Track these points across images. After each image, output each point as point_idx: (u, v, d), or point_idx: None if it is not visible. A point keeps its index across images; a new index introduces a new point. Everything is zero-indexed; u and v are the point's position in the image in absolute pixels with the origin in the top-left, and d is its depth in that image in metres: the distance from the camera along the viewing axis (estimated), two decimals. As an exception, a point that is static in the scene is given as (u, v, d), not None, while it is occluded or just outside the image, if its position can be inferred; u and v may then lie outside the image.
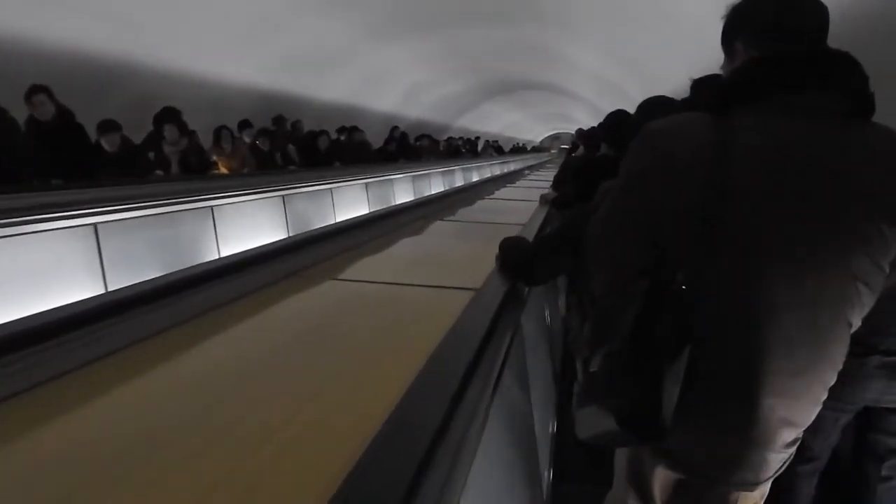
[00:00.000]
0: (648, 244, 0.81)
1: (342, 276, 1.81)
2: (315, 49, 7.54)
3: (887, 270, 0.76)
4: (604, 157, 2.18)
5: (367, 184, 6.30)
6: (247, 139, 6.09)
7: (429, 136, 11.30)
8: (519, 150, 22.86)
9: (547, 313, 2.65)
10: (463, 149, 13.37)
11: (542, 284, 1.66)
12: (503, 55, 11.47)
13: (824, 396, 0.83)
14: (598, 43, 9.09)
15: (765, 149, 0.76)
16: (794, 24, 0.77)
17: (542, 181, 6.99)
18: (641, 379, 0.78)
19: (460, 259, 2.13)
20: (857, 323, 0.79)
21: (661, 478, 0.92)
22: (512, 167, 13.83)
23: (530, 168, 12.35)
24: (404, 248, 2.33)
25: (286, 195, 4.55)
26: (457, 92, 14.31)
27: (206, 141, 5.62)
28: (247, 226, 3.98)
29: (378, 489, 0.52)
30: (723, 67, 0.88)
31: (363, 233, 2.44)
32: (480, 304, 1.25)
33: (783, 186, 0.74)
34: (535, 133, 32.22)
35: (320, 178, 5.23)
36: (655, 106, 1.59)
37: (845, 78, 0.75)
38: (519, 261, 1.40)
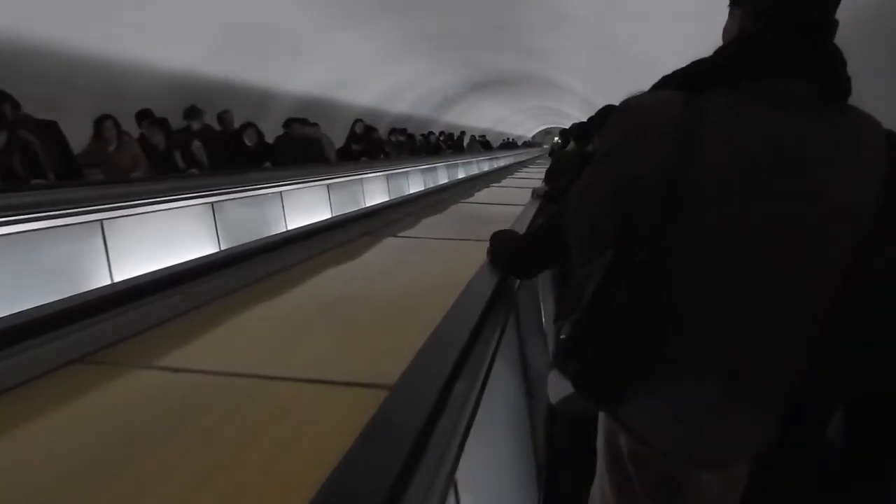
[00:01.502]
0: (618, 217, 0.82)
1: (164, 359, 1.06)
2: (272, 33, 6.74)
3: (849, 258, 0.76)
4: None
5: (328, 185, 5.54)
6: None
7: (403, 131, 10.30)
8: (509, 145, 22.14)
9: (541, 309, 2.48)
10: (443, 145, 12.31)
11: (533, 277, 1.66)
12: (491, 46, 10.78)
13: (790, 382, 0.83)
14: (588, 35, 8.44)
15: (732, 129, 0.76)
16: (793, 8, 0.75)
17: (531, 179, 6.32)
18: (596, 346, 0.80)
19: (392, 310, 1.40)
20: (822, 309, 0.78)
21: (638, 460, 0.93)
22: (501, 163, 13.10)
23: (520, 164, 11.60)
24: (309, 293, 1.57)
25: (217, 202, 3.78)
26: (443, 85, 13.60)
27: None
28: (157, 241, 3.23)
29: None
30: (724, 27, 0.84)
31: (264, 263, 1.70)
32: (389, 418, 0.71)
33: (747, 166, 0.75)
34: (525, 128, 31.80)
35: (265, 181, 4.44)
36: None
37: (818, 63, 0.75)
38: (510, 254, 1.37)
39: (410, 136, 10.48)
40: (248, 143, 5.87)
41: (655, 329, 0.78)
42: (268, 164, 5.76)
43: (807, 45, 0.75)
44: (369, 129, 8.51)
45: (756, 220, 0.75)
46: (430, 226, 2.90)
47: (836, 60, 0.76)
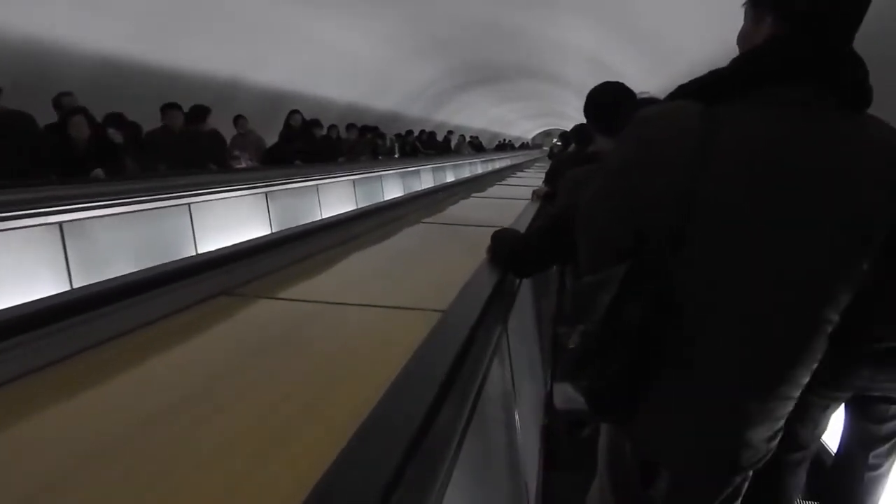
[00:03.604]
0: (629, 228, 0.83)
1: None
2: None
3: (865, 267, 0.78)
4: (594, 154, 2.02)
5: (267, 194, 4.47)
6: None
7: (367, 129, 8.59)
8: (504, 146, 21.09)
9: (540, 305, 2.35)
10: (421, 146, 10.66)
11: (531, 276, 1.68)
12: (486, 38, 9.78)
13: (796, 393, 0.85)
14: (594, 18, 7.44)
15: (749, 138, 0.77)
16: (826, 12, 0.75)
17: (522, 186, 5.29)
18: (610, 362, 0.81)
19: None
20: (835, 318, 0.80)
21: (639, 462, 0.95)
22: (496, 165, 12.04)
23: (515, 168, 10.54)
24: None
25: (67, 221, 2.70)
26: (432, 81, 12.60)
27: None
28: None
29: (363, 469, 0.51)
30: (742, 32, 0.85)
31: None
32: None
33: (764, 177, 0.76)
34: (523, 129, 30.97)
35: (163, 189, 3.34)
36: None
37: (840, 71, 0.75)
38: (508, 250, 1.41)
39: (380, 135, 8.97)
40: (73, 135, 3.83)
41: (667, 343, 0.81)
42: (98, 171, 3.73)
43: (831, 52, 0.75)
44: (310, 125, 6.82)
45: (768, 230, 0.76)
46: (342, 275, 1.80)
47: (859, 68, 0.75)
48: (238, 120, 6.14)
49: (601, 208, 0.89)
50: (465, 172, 11.08)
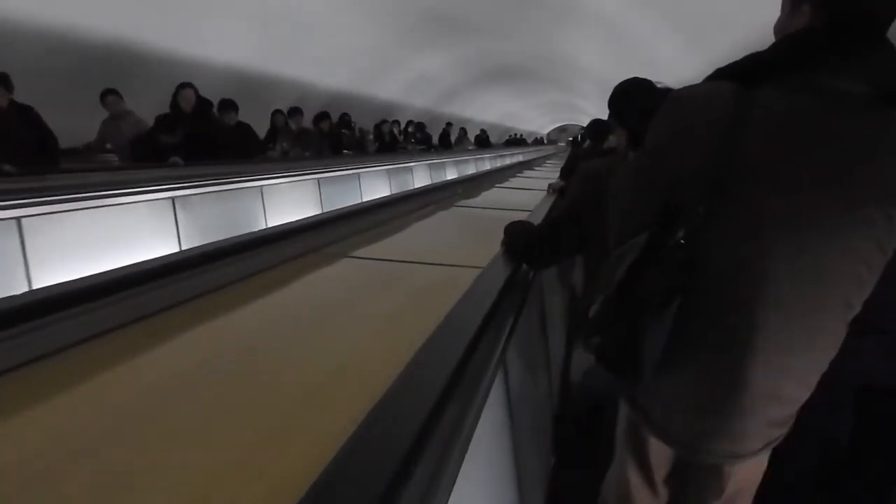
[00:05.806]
0: (660, 204, 0.84)
1: None
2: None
3: (890, 254, 0.78)
4: (611, 149, 2.15)
5: (173, 199, 3.33)
6: None
7: (325, 116, 6.66)
8: (516, 142, 19.80)
9: (550, 301, 2.10)
10: (402, 139, 9.12)
11: (546, 267, 1.67)
12: (501, 30, 8.71)
13: (815, 378, 0.84)
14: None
15: (781, 121, 0.77)
16: (865, 6, 0.76)
17: (532, 189, 4.14)
18: (622, 323, 0.83)
19: None
20: (857, 304, 0.80)
21: (656, 451, 0.96)
22: (497, 163, 10.87)
23: (523, 165, 9.35)
24: None
25: None
26: (442, 71, 11.59)
27: None
28: None
29: (360, 478, 0.50)
30: (778, 22, 0.85)
31: None
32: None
33: (793, 159, 0.76)
34: (538, 124, 29.90)
35: None
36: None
37: (875, 62, 0.76)
38: (523, 243, 1.42)
39: (346, 125, 7.36)
40: None
41: (684, 322, 0.81)
42: None
43: (869, 44, 0.75)
44: (220, 107, 4.78)
45: (791, 216, 0.77)
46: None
47: (891, 62, 0.76)
48: (107, 97, 4.31)
49: (635, 186, 0.90)
50: (471, 168, 9.95)
